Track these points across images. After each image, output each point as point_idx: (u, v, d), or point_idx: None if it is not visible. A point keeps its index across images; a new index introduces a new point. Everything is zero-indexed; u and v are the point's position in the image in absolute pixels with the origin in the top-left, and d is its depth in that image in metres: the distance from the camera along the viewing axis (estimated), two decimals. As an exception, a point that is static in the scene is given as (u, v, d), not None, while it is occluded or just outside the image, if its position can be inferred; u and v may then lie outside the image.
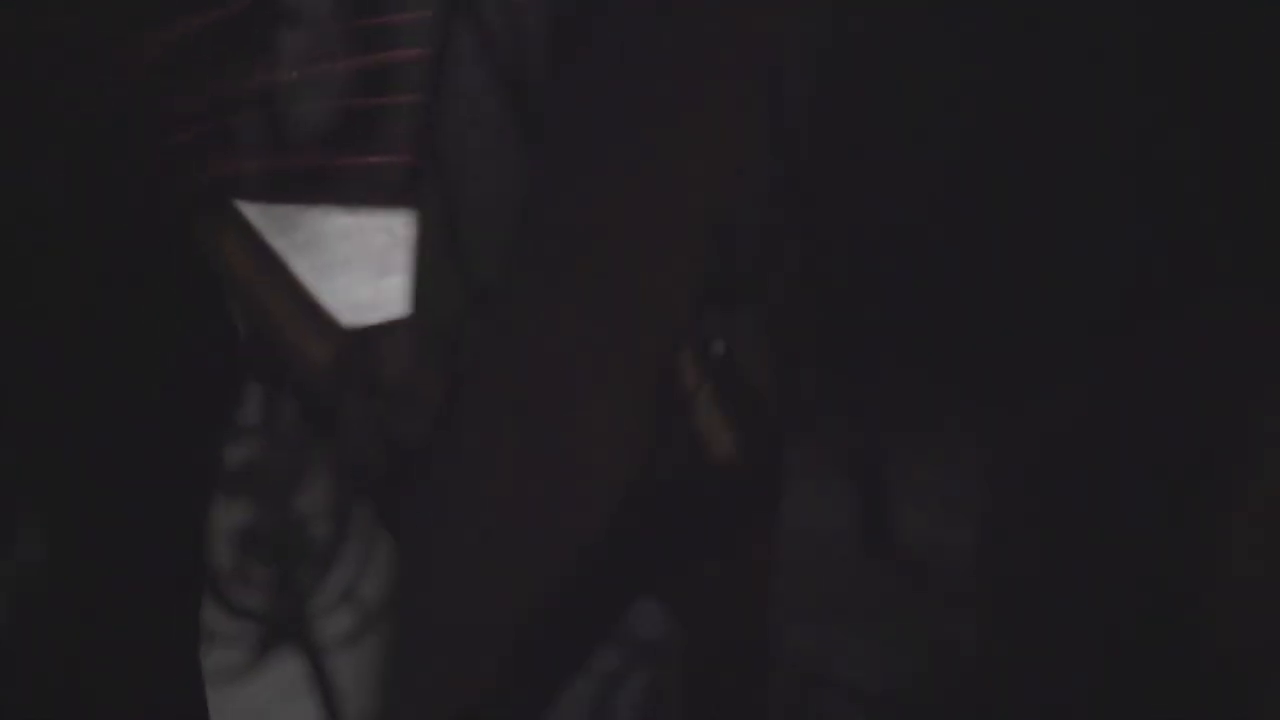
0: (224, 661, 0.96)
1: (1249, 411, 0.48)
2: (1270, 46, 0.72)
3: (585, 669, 0.69)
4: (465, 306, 0.76)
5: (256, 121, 1.37)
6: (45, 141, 0.96)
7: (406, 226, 0.97)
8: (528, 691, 0.68)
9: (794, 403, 1.22)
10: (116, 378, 0.97)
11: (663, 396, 0.68)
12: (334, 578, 0.94)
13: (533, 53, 0.77)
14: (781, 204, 1.17)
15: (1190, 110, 0.75)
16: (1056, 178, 1.65)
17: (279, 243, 0.78)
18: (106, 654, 0.96)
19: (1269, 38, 0.72)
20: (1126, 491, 0.49)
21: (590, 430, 0.68)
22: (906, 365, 1.74)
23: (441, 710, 0.66)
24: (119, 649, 0.96)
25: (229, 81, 1.29)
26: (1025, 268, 1.64)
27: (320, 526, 0.96)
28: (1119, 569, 0.48)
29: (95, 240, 0.97)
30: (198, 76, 1.07)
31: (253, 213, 0.76)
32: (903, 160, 1.86)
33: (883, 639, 0.95)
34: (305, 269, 0.90)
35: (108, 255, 0.97)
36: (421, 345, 0.79)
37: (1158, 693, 0.46)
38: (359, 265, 0.95)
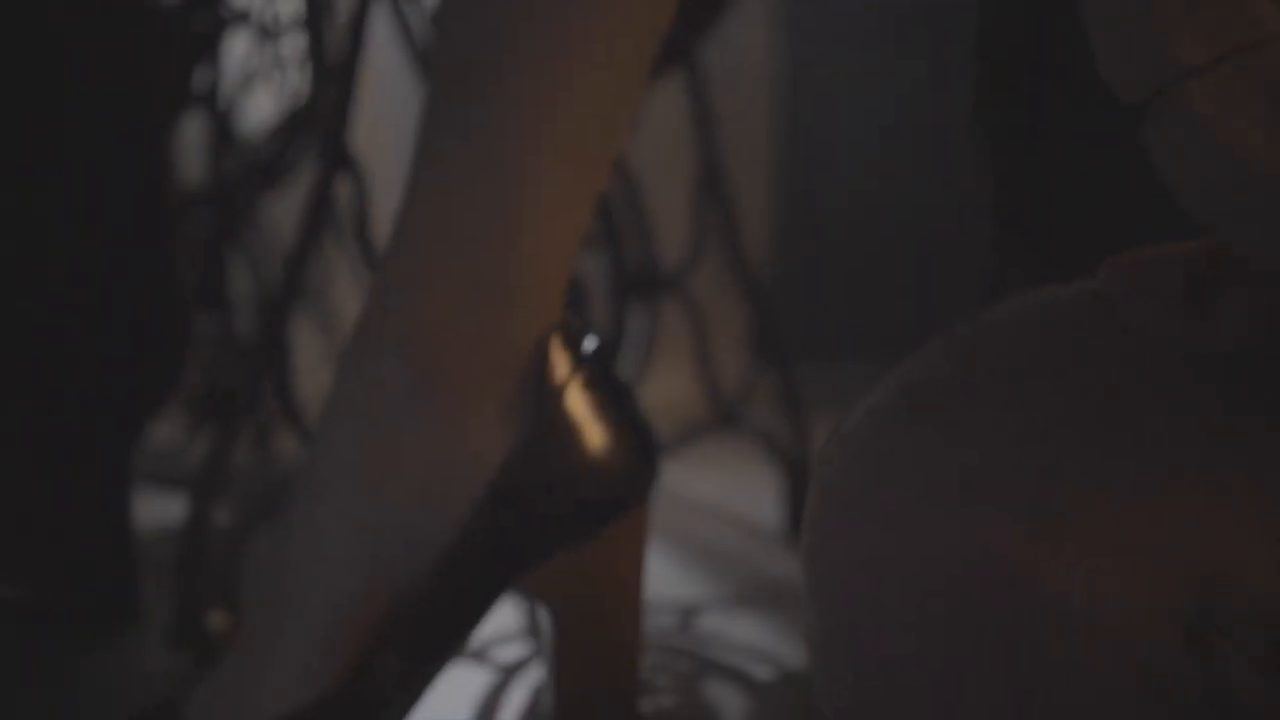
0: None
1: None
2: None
3: (451, 658, 0.69)
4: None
5: (203, 119, 1.38)
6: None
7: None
8: (389, 679, 0.68)
9: (719, 393, 1.22)
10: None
11: (533, 389, 0.69)
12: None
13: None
14: (706, 198, 1.18)
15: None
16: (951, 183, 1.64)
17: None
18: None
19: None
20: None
21: (459, 419, 0.68)
22: (834, 357, 1.75)
23: (309, 691, 0.67)
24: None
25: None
26: (943, 260, 1.65)
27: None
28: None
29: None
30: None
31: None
32: (830, 156, 1.87)
33: (787, 630, 0.95)
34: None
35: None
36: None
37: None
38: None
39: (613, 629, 0.73)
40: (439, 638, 0.70)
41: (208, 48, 1.33)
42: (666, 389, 1.27)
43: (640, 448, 0.73)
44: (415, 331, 0.69)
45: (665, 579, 1.07)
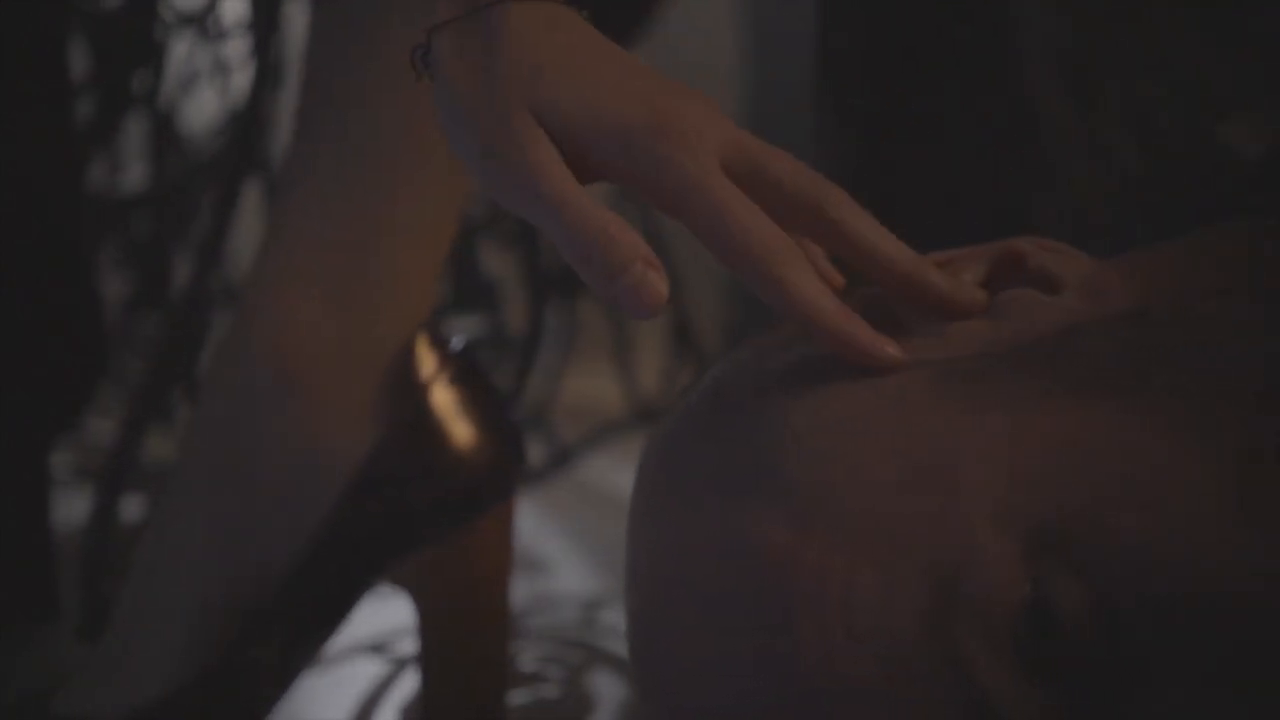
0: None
1: None
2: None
3: (320, 647, 0.71)
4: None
5: (144, 121, 1.40)
6: None
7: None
8: (258, 667, 0.70)
9: (638, 391, 1.24)
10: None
11: (396, 386, 0.70)
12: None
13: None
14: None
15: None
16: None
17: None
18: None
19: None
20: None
21: (319, 416, 0.70)
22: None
23: (179, 678, 0.69)
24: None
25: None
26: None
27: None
28: None
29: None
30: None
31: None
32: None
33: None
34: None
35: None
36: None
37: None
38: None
39: (478, 620, 0.75)
40: (307, 627, 0.72)
41: (151, 50, 1.35)
42: (585, 387, 1.28)
43: (505, 444, 0.75)
44: (279, 330, 0.70)
45: (575, 574, 1.09)
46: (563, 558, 1.12)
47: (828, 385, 0.51)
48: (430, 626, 0.75)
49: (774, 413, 0.51)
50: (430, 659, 0.75)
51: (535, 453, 1.21)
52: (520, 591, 1.04)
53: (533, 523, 1.16)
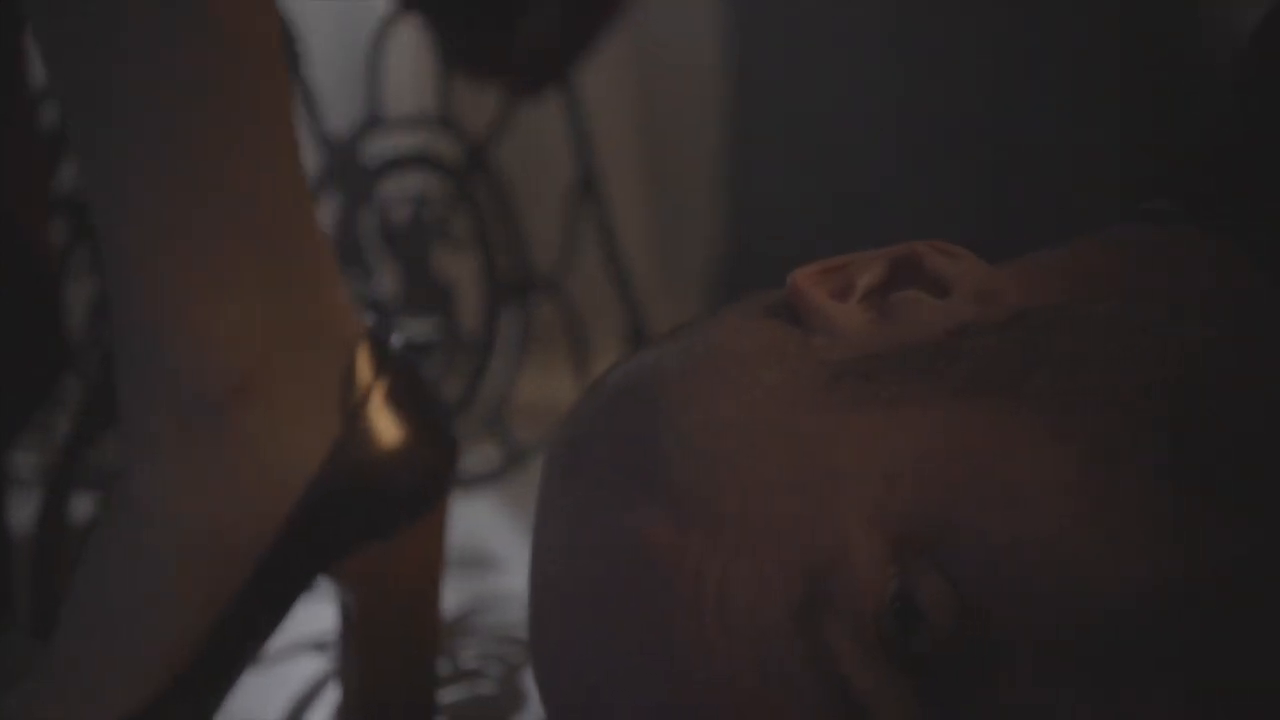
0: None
1: None
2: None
3: (257, 654, 0.72)
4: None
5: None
6: None
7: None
8: (200, 688, 0.70)
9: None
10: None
11: (344, 384, 0.71)
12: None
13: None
14: (581, 198, 1.21)
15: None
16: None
17: None
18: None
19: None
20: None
21: (282, 416, 0.70)
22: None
23: (128, 702, 0.69)
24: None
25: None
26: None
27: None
28: None
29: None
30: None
31: None
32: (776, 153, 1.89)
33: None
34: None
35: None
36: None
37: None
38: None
39: (409, 623, 0.75)
40: (245, 643, 0.71)
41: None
42: (541, 387, 1.29)
43: (440, 443, 0.76)
44: (213, 336, 0.69)
45: (526, 572, 1.10)
46: (515, 555, 1.13)
47: (719, 386, 0.51)
48: (359, 628, 0.75)
49: (665, 413, 0.52)
50: (356, 660, 0.75)
51: (491, 453, 1.22)
52: (470, 588, 1.05)
53: (485, 521, 1.17)
